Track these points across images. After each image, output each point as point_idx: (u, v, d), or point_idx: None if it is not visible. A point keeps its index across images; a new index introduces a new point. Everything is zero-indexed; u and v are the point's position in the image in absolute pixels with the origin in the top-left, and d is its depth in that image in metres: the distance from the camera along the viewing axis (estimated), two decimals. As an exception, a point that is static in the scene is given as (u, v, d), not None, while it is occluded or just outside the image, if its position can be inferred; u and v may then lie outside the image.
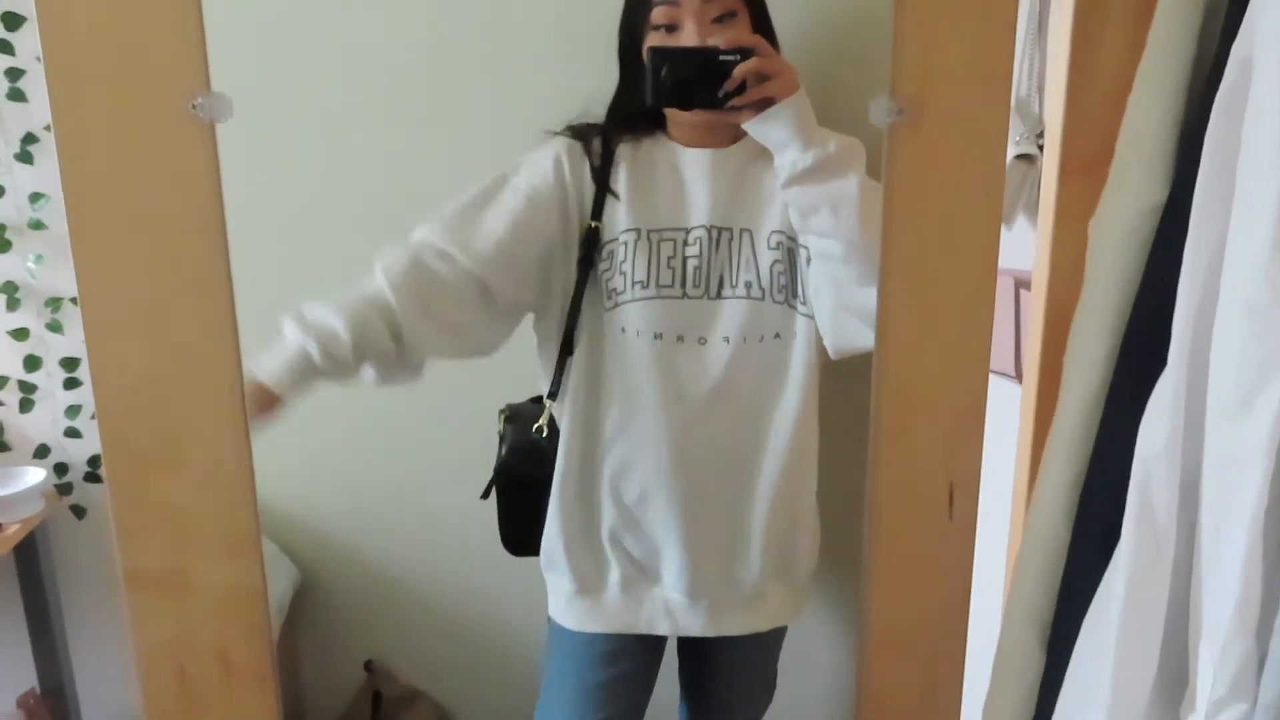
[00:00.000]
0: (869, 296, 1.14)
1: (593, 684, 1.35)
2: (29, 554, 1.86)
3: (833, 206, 1.12)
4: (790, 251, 1.25)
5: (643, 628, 1.33)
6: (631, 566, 1.33)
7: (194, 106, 0.70)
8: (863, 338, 1.20)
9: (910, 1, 0.65)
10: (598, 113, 1.35)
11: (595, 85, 1.35)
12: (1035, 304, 0.79)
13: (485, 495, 1.42)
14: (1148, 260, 0.66)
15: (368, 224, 1.63)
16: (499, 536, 1.48)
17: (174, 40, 0.68)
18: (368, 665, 1.89)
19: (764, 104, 1.10)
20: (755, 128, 1.12)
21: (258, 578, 0.75)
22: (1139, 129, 0.69)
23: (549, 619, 1.43)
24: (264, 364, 1.22)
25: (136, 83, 0.69)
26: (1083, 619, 0.66)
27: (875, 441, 0.69)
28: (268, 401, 1.22)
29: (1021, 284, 1.37)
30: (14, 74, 1.81)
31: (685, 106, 1.17)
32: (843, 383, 1.34)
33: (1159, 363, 0.63)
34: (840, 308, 1.21)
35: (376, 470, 1.81)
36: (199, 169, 0.71)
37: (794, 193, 1.14)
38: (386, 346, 1.25)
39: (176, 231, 0.72)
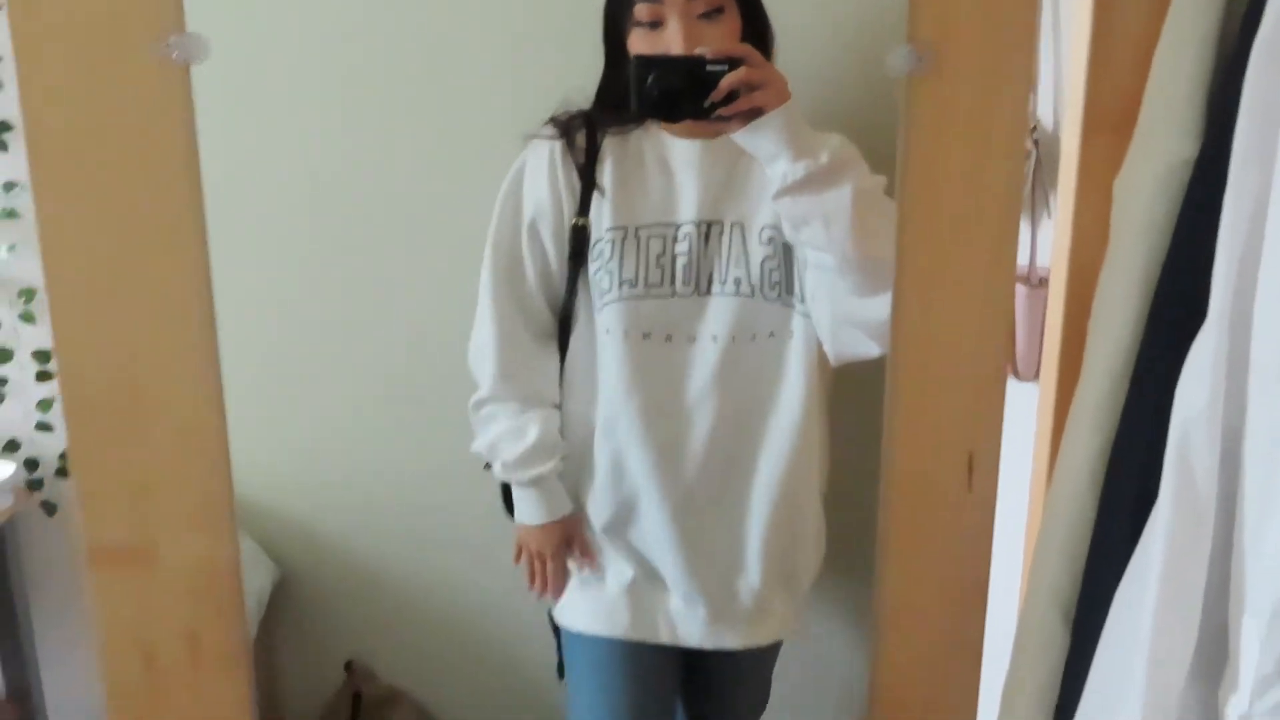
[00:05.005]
0: (866, 308, 1.12)
1: (614, 687, 1.30)
2: (-4, 551, 1.80)
3: (825, 219, 1.08)
4: (785, 248, 1.21)
5: (643, 633, 1.29)
6: (631, 566, 1.29)
7: (167, 47, 0.65)
8: (863, 346, 1.16)
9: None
10: (580, 101, 1.32)
11: (581, 70, 1.32)
12: (1056, 269, 0.75)
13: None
14: (1179, 216, 0.63)
15: (348, 191, 1.62)
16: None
17: (145, -26, 0.64)
18: (348, 665, 1.84)
19: (753, 114, 1.06)
20: (744, 138, 1.08)
21: (231, 552, 0.70)
22: (1167, 81, 0.66)
23: (556, 625, 1.39)
24: (531, 513, 1.31)
25: (104, 20, 0.65)
26: (1110, 596, 0.62)
27: (891, 409, 0.65)
28: (564, 532, 1.32)
29: (1018, 279, 1.34)
30: (-15, 60, 1.76)
31: (671, 119, 1.14)
32: (855, 380, 1.30)
33: (1192, 322, 0.59)
34: (838, 318, 1.17)
35: (359, 465, 1.76)
36: (172, 116, 0.67)
37: (785, 204, 1.10)
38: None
39: (147, 183, 0.67)
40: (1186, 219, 0.62)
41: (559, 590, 1.35)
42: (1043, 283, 1.27)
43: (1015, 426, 0.80)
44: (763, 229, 1.22)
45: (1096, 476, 0.65)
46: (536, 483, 1.29)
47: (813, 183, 1.07)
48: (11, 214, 1.76)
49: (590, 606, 1.30)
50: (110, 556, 0.70)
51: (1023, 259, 1.38)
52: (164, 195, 0.68)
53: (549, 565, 1.33)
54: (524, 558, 1.36)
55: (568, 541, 1.32)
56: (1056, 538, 0.66)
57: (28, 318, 1.80)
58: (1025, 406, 1.09)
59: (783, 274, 1.22)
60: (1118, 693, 0.58)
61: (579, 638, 1.31)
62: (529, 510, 1.31)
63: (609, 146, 1.26)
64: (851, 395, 1.37)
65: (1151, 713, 0.56)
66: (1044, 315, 1.26)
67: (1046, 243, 1.28)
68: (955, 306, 0.64)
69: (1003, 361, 0.66)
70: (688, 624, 1.29)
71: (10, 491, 1.79)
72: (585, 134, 1.27)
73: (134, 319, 0.68)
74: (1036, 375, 1.28)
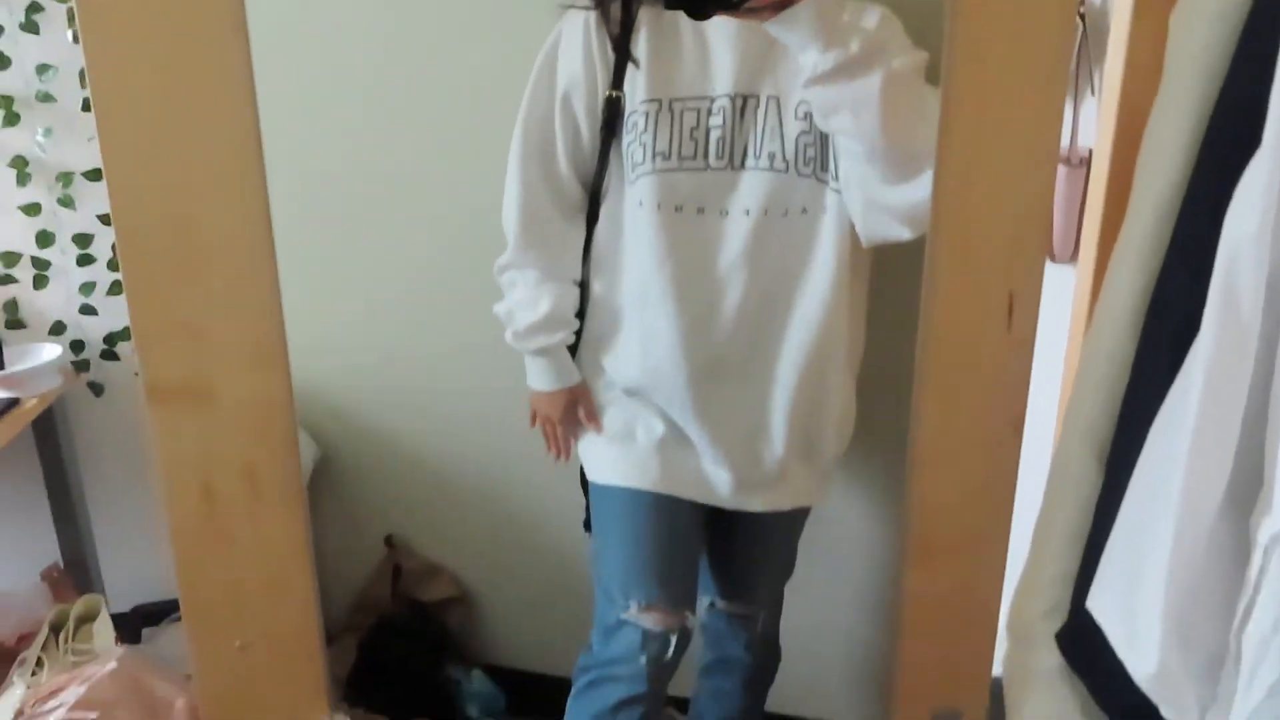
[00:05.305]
0: (896, 194, 1.13)
1: (642, 535, 1.35)
2: (48, 429, 1.86)
3: (854, 108, 1.08)
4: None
5: (672, 487, 1.33)
6: (661, 423, 1.33)
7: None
8: (894, 230, 1.18)
9: None
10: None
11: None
12: (1101, 137, 0.74)
13: None
14: (1236, 47, 0.61)
15: (378, 73, 1.64)
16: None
17: None
18: (388, 540, 1.90)
19: (784, 3, 1.05)
20: (775, 29, 1.08)
21: (284, 392, 0.72)
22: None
23: (585, 484, 1.43)
24: (539, 380, 1.38)
25: None
26: (1144, 434, 0.63)
27: (933, 248, 0.65)
28: (570, 398, 1.39)
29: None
30: (19, -61, 1.74)
31: (701, 15, 1.12)
32: (895, 263, 1.30)
33: (1245, 154, 0.58)
34: (868, 203, 1.18)
35: (396, 345, 1.79)
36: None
37: (816, 93, 1.10)
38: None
39: (195, 26, 0.67)
40: (1244, 49, 0.61)
41: (570, 450, 1.45)
42: (1083, 163, 1.25)
43: (1050, 309, 0.80)
44: (799, 104, 1.21)
45: (1138, 314, 0.65)
46: (543, 353, 1.35)
47: (842, 72, 1.07)
48: (46, 98, 1.76)
49: (621, 460, 1.34)
50: (169, 394, 0.72)
51: (1063, 140, 1.35)
52: (210, 39, 0.68)
53: (558, 430, 1.41)
54: (538, 422, 1.43)
55: (573, 406, 1.39)
56: (1094, 375, 0.67)
57: (66, 202, 1.82)
58: (1061, 290, 1.09)
59: (818, 149, 1.21)
60: (1150, 519, 0.60)
61: (609, 490, 1.36)
62: (537, 377, 1.38)
63: (644, 17, 1.25)
64: (890, 279, 1.37)
65: (1183, 536, 0.58)
66: (1083, 197, 1.25)
67: (1088, 125, 1.25)
68: (1001, 144, 0.64)
69: (1048, 199, 0.66)
70: (714, 484, 1.33)
71: (58, 372, 1.83)
72: (620, 4, 1.26)
73: (184, 162, 0.69)
74: (1072, 258, 1.27)
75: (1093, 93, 1.26)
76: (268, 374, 0.72)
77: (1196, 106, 0.62)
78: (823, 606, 1.78)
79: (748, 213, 1.23)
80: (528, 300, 1.33)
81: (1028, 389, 0.68)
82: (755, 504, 1.35)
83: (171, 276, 0.70)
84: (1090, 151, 1.24)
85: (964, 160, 0.63)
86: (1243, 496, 0.58)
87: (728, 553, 1.48)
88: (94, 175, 1.79)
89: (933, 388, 0.67)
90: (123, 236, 0.69)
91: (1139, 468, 0.63)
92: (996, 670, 0.77)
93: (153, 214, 0.69)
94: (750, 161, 1.23)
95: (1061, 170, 1.29)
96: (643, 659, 1.29)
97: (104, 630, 1.66)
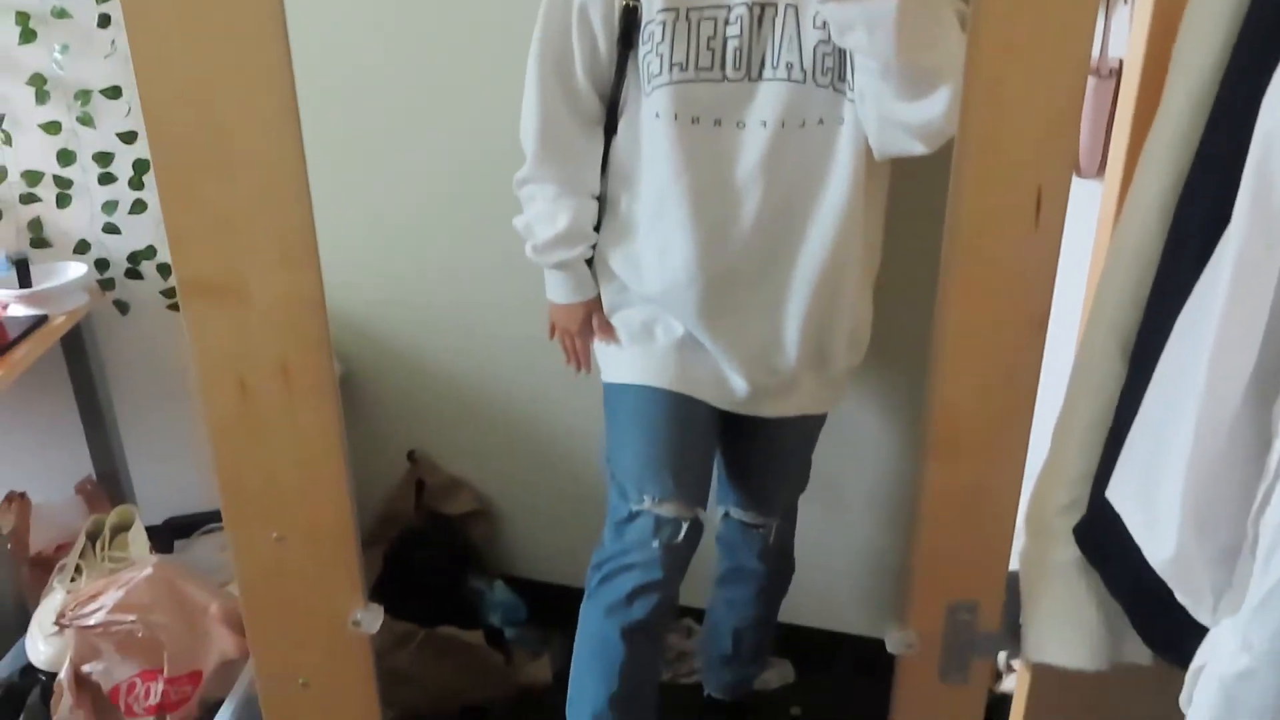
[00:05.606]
0: (910, 111, 1.12)
1: (658, 428, 1.37)
2: (76, 347, 1.89)
3: (869, 26, 1.06)
4: None
5: (687, 388, 1.35)
6: (679, 325, 1.34)
7: None
8: (908, 145, 1.17)
9: None
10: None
11: None
12: (1139, 16, 0.73)
13: None
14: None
15: None
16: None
17: None
18: (410, 455, 1.93)
19: None
20: None
21: (315, 287, 0.73)
22: None
23: (605, 386, 1.45)
24: (557, 292, 1.41)
25: None
26: (1169, 328, 0.64)
27: (962, 141, 0.65)
28: (588, 311, 1.41)
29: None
30: None
31: None
32: (917, 175, 1.29)
33: (1283, 42, 0.58)
34: (882, 119, 1.17)
35: (417, 262, 1.80)
36: None
37: (830, 10, 1.08)
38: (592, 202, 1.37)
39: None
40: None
41: (589, 362, 1.47)
42: (1112, 74, 1.22)
43: (1075, 224, 0.79)
44: (817, 12, 1.19)
45: (1167, 208, 0.65)
46: (562, 266, 1.36)
47: None
48: (62, 14, 1.75)
49: (639, 360, 1.37)
50: (202, 292, 0.74)
51: (1093, 51, 1.32)
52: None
53: (577, 342, 1.44)
54: (556, 334, 1.46)
55: (591, 318, 1.42)
56: (1120, 268, 0.67)
57: (85, 120, 1.81)
58: (1086, 205, 1.08)
59: (836, 59, 1.20)
60: (1174, 407, 0.60)
61: (626, 388, 1.38)
62: (556, 290, 1.40)
63: None
64: (910, 189, 1.37)
65: (1206, 424, 0.58)
66: (1111, 109, 1.23)
67: (1119, 36, 1.23)
68: (1031, 41, 0.63)
69: (1078, 96, 0.65)
70: (728, 388, 1.35)
71: (84, 290, 1.85)
72: None
73: (215, 65, 0.69)
74: (1098, 172, 1.26)
75: (1125, 1, 1.23)
76: (299, 272, 0.73)
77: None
78: (836, 520, 1.82)
79: (765, 124, 1.23)
80: (546, 214, 1.33)
81: (1053, 285, 0.68)
82: (768, 409, 1.37)
83: (203, 175, 0.71)
84: (1120, 62, 1.22)
85: (996, 56, 0.63)
86: (1267, 385, 0.59)
87: (742, 461, 1.50)
88: (112, 93, 1.78)
89: (958, 282, 0.67)
90: (154, 137, 0.70)
91: (1164, 357, 0.63)
92: (1013, 564, 0.79)
93: (183, 113, 0.70)
94: (768, 72, 1.22)
95: (1090, 81, 1.26)
96: (655, 544, 1.32)
97: (139, 539, 1.71)
